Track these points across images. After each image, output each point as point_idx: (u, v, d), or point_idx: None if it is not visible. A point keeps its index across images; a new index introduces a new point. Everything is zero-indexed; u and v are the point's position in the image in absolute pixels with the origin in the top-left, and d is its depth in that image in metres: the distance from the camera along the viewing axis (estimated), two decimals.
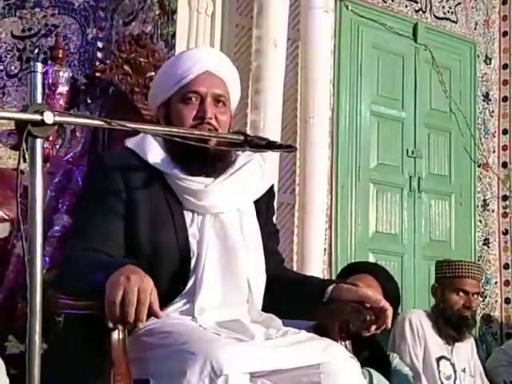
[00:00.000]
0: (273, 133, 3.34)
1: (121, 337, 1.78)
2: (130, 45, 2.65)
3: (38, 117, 1.42)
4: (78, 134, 2.53)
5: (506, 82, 4.86)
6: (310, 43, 3.70)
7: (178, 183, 2.04)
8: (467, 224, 4.63)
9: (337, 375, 1.84)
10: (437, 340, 3.40)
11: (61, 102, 2.69)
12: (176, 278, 1.98)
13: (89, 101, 2.57)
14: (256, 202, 2.17)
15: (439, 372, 3.35)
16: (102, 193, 2.00)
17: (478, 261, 4.55)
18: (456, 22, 4.70)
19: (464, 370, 3.45)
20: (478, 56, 4.79)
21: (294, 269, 3.67)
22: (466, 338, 3.46)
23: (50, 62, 3.30)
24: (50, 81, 2.70)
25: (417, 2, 4.50)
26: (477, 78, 4.77)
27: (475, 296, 3.47)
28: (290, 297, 2.14)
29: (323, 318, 2.29)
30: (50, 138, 2.54)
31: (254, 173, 2.16)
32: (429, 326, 3.41)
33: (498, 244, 4.75)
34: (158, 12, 3.59)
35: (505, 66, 4.88)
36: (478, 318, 4.39)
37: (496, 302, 4.69)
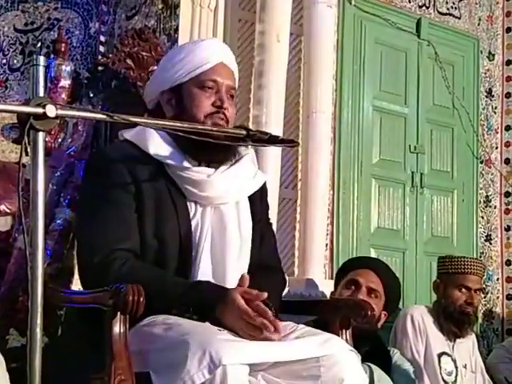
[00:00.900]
0: (275, 128, 3.34)
1: (122, 330, 1.79)
2: (133, 39, 2.64)
3: (40, 110, 1.42)
4: (80, 127, 2.52)
5: (509, 79, 4.85)
6: (313, 38, 3.70)
7: (180, 174, 2.04)
8: (469, 220, 4.63)
9: (337, 368, 1.84)
10: (438, 336, 3.40)
11: (63, 95, 2.68)
12: (179, 269, 2.00)
13: (91, 95, 2.57)
14: (250, 198, 2.18)
15: (440, 368, 3.34)
16: (111, 186, 2.01)
17: (480, 257, 4.55)
18: (459, 18, 4.69)
19: (465, 366, 3.45)
20: (482, 52, 4.78)
21: (296, 264, 3.68)
22: (467, 334, 3.46)
23: (52, 55, 3.29)
24: (53, 74, 2.69)
25: None
26: (480, 74, 4.76)
27: (477, 292, 3.46)
28: None
29: (324, 313, 2.30)
30: (52, 132, 2.54)
31: (249, 168, 2.18)
32: (430, 321, 3.40)
33: (500, 240, 4.74)
34: (160, 6, 3.58)
35: (508, 62, 4.87)
36: (480, 315, 4.39)
37: (497, 298, 4.69)
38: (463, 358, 3.45)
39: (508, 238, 4.75)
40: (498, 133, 4.82)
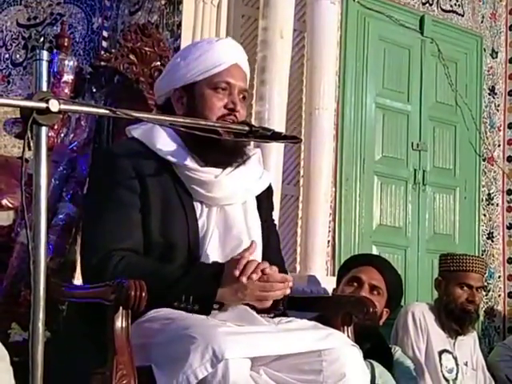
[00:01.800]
0: (278, 124, 3.34)
1: (124, 325, 1.79)
2: (136, 34, 2.64)
3: (43, 105, 1.42)
4: (82, 122, 2.52)
5: None
6: (316, 34, 3.69)
7: (187, 174, 2.04)
8: (471, 218, 4.63)
9: (339, 363, 1.84)
10: (439, 333, 3.40)
11: (66, 90, 2.67)
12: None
13: (94, 90, 2.57)
14: (257, 198, 2.18)
15: (441, 365, 3.34)
16: (116, 185, 2.00)
17: (482, 255, 4.55)
18: (463, 15, 4.68)
19: (466, 364, 3.45)
20: (485, 49, 4.77)
21: (298, 260, 3.68)
22: (468, 331, 3.46)
23: (55, 50, 3.29)
24: (56, 69, 2.69)
25: None
26: (483, 72, 4.75)
27: (479, 290, 3.46)
28: None
29: (326, 309, 2.30)
30: (55, 127, 2.54)
31: (255, 169, 2.18)
32: (432, 319, 3.40)
33: (502, 238, 4.74)
34: (163, 2, 3.58)
35: (511, 60, 4.87)
36: (481, 312, 4.39)
37: (499, 296, 4.69)
38: (464, 356, 3.45)
39: (510, 236, 4.74)
40: (500, 130, 4.81)
